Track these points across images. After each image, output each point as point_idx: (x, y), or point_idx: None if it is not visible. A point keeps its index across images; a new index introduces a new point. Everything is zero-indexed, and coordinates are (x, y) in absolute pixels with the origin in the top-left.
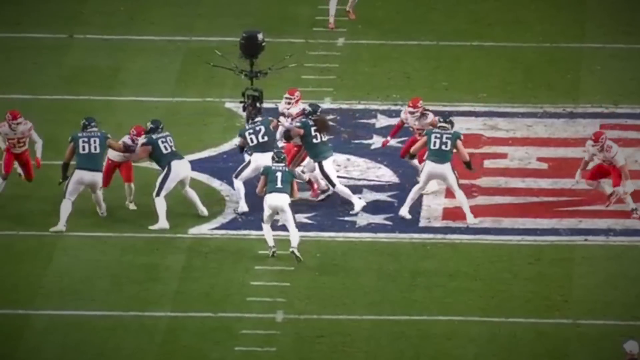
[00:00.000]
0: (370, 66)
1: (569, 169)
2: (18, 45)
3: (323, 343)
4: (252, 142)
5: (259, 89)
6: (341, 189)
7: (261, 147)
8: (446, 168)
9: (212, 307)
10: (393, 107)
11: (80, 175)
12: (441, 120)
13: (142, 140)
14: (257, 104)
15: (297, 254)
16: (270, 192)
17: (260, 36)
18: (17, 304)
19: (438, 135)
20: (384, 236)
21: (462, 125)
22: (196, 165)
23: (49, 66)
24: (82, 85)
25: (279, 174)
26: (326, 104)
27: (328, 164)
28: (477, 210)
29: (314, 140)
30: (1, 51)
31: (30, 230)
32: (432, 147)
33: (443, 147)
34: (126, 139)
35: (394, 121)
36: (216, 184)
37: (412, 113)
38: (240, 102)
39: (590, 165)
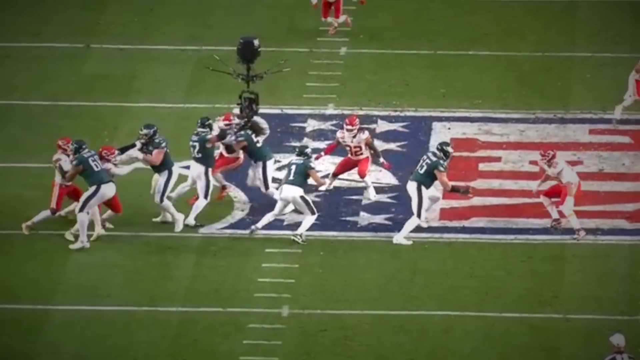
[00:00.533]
0: (371, 74)
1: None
2: (38, 54)
3: (326, 336)
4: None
5: (255, 92)
6: (271, 192)
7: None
8: (411, 186)
9: (221, 302)
10: (393, 113)
11: (105, 190)
12: (438, 146)
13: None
14: (253, 106)
15: (298, 239)
16: (283, 184)
17: (256, 42)
18: (37, 299)
19: (424, 158)
20: (384, 235)
21: (458, 130)
22: None
23: (67, 74)
24: (99, 93)
25: (293, 167)
26: (330, 110)
27: (271, 165)
28: (472, 211)
29: (258, 145)
30: (22, 60)
31: (49, 230)
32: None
33: (419, 168)
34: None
35: (393, 126)
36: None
37: (349, 130)
38: (237, 104)
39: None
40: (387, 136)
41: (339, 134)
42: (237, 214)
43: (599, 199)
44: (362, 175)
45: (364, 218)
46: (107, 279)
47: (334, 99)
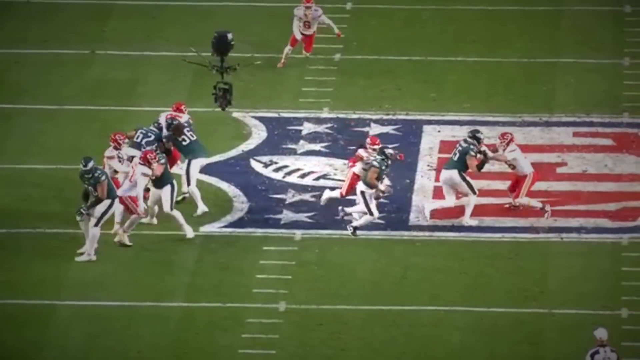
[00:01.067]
0: (364, 79)
1: (544, 173)
2: (45, 60)
3: (322, 331)
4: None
5: (229, 83)
6: (193, 190)
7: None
8: (446, 175)
9: (221, 298)
10: (385, 117)
11: (118, 204)
12: (470, 133)
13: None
14: (228, 96)
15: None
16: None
17: (229, 36)
18: (44, 295)
19: (457, 146)
20: (377, 233)
21: (448, 133)
22: (206, 169)
23: (73, 79)
24: (104, 97)
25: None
26: (324, 114)
27: (196, 164)
28: (461, 211)
29: (184, 143)
30: (30, 66)
31: (56, 229)
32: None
33: (453, 156)
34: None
35: (385, 129)
36: (224, 185)
37: (374, 150)
38: (212, 94)
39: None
40: (379, 138)
41: (362, 152)
42: (237, 214)
43: (582, 199)
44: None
45: (358, 217)
46: (111, 276)
47: (328, 103)
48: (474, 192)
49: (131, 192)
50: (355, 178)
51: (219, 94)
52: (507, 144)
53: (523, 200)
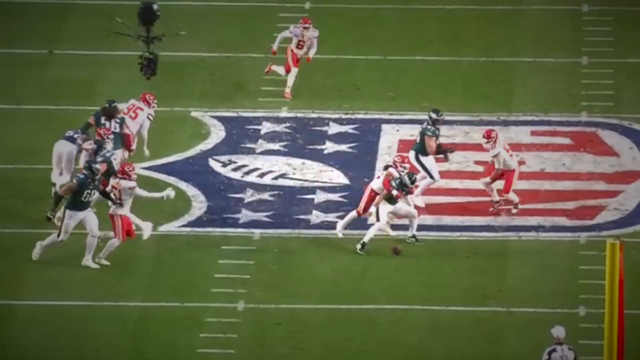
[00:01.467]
0: (323, 79)
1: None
2: (3, 60)
3: (280, 330)
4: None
5: (155, 53)
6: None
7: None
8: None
9: (179, 297)
10: (344, 116)
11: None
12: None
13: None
14: (152, 66)
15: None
16: None
17: (155, 6)
18: (3, 295)
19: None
20: (336, 233)
21: (406, 131)
22: (165, 168)
23: (31, 79)
24: (63, 96)
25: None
26: (283, 113)
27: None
28: (420, 209)
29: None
30: None
31: (14, 229)
32: None
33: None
34: None
35: (344, 128)
36: (183, 185)
37: (404, 169)
38: (138, 63)
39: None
40: (338, 138)
41: (394, 172)
42: (195, 213)
43: (540, 198)
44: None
45: (317, 216)
46: (70, 275)
47: (287, 102)
48: (432, 178)
49: (121, 210)
50: (373, 195)
51: (144, 64)
52: (495, 143)
53: (511, 195)
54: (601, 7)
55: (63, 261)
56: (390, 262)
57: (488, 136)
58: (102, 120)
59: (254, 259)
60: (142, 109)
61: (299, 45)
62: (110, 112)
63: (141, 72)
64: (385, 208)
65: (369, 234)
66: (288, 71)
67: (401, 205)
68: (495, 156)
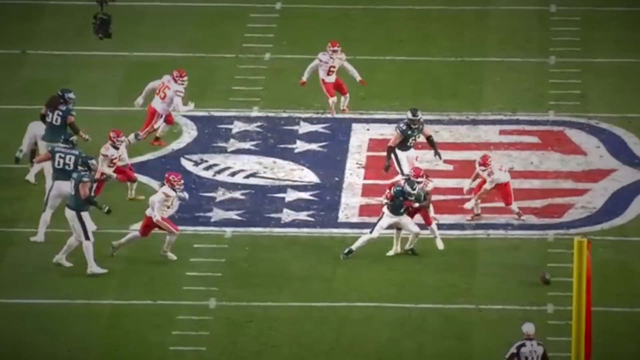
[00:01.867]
0: (294, 78)
1: (471, 170)
2: None
3: (252, 327)
4: (58, 165)
5: (108, 14)
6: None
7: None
8: None
9: (151, 295)
10: (315, 116)
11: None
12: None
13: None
14: (105, 27)
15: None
16: None
17: None
18: None
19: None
20: (307, 231)
21: (376, 131)
22: (138, 167)
23: (4, 79)
24: (36, 96)
25: None
26: (255, 112)
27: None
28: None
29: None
30: None
31: None
32: None
33: None
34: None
35: (315, 128)
36: (155, 184)
37: (419, 182)
38: (92, 23)
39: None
40: (309, 137)
41: (401, 180)
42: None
43: None
44: (429, 223)
45: (287, 215)
46: (43, 274)
47: (258, 102)
48: (402, 173)
49: (159, 214)
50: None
51: (97, 24)
52: (491, 171)
53: (513, 206)
54: (569, 7)
55: (35, 259)
56: (360, 260)
57: (484, 163)
58: (45, 110)
59: (226, 257)
60: (169, 88)
61: (329, 72)
62: (53, 102)
63: (94, 32)
64: (387, 220)
65: (358, 243)
66: (332, 95)
67: (406, 220)
68: (492, 180)
